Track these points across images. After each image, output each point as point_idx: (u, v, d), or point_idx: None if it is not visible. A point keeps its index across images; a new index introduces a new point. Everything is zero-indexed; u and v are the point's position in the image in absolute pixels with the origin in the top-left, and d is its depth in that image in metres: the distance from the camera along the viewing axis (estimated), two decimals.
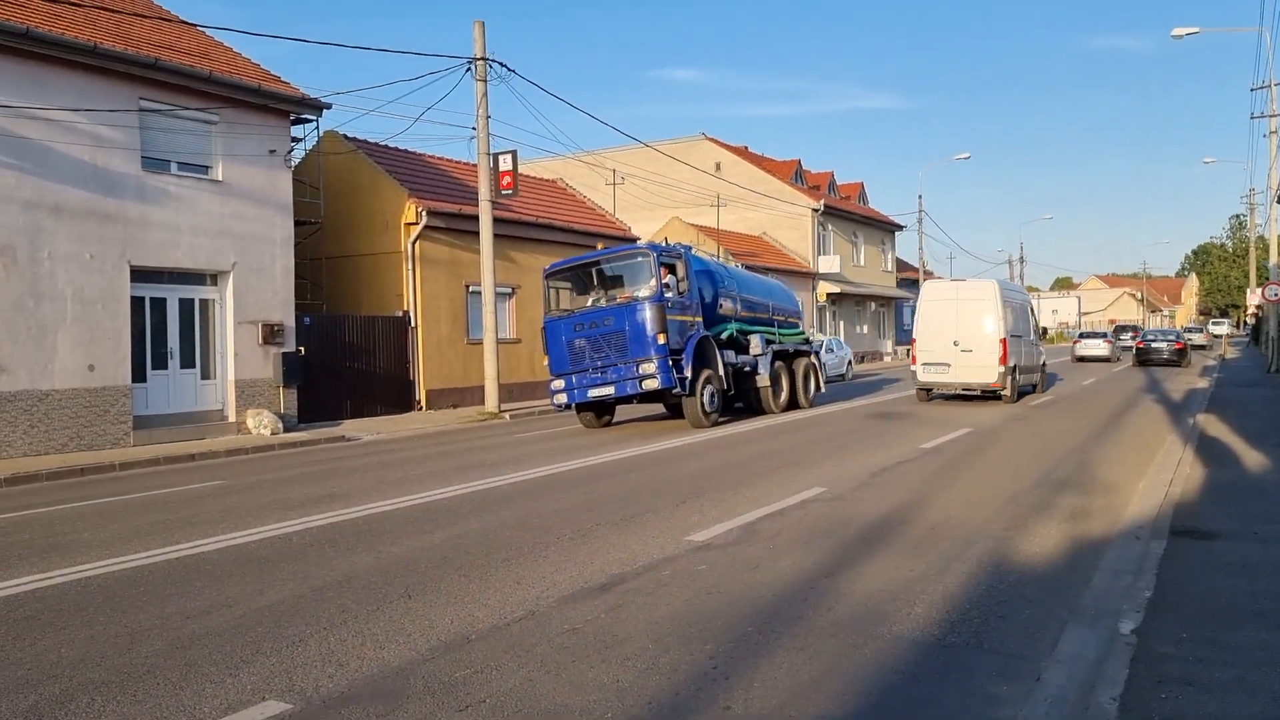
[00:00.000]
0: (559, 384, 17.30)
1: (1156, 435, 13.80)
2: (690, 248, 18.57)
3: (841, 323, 50.09)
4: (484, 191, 21.60)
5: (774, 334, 20.17)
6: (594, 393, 16.76)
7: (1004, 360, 19.87)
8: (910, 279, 58.04)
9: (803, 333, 21.98)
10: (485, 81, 21.30)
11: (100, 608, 5.97)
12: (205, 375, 18.65)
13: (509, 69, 21.72)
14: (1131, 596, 5.50)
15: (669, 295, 16.44)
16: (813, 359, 21.44)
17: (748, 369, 18.73)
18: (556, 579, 6.36)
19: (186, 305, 18.41)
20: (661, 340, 16.00)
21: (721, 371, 17.33)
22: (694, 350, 16.61)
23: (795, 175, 49.37)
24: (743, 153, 50.09)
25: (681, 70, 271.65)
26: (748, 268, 25.79)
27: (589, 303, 17.47)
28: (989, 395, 21.09)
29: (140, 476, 13.66)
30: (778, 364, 19.59)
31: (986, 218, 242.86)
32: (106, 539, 8.40)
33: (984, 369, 20.02)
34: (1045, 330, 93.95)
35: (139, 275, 17.32)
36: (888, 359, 54.71)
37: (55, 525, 9.31)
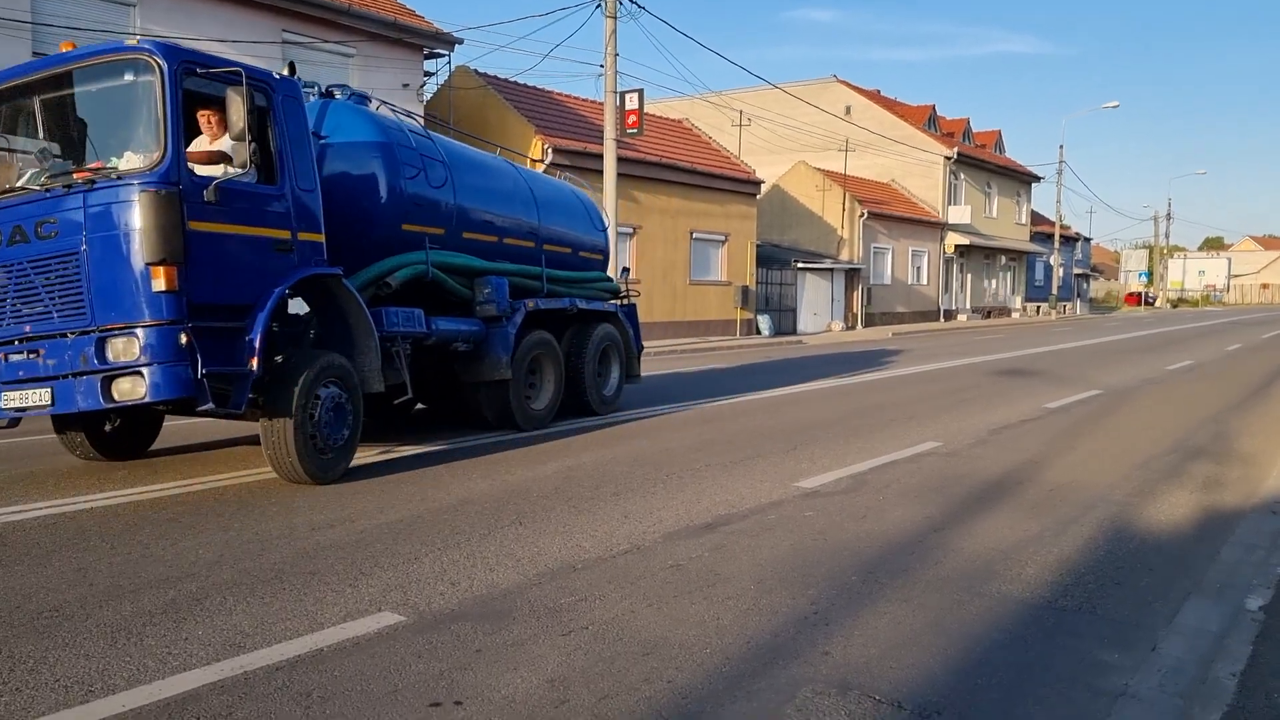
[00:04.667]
0: None
1: None
2: (306, 84, 8.70)
3: (969, 276, 48.56)
4: (609, 130, 21.60)
5: (535, 278, 10.76)
6: (9, 398, 6.90)
7: None
8: (1045, 233, 55.72)
9: (605, 278, 12.66)
10: (615, 19, 21.17)
11: (235, 514, 6.34)
12: None
13: (639, 5, 21.55)
14: (1263, 572, 5.24)
15: (206, 173, 6.93)
16: (619, 326, 12.13)
17: (464, 347, 9.64)
18: (663, 515, 6.44)
19: None
20: (163, 283, 6.45)
21: (376, 358, 7.97)
22: (272, 310, 7.05)
23: (928, 121, 47.71)
24: (874, 96, 48.61)
25: (815, 10, 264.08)
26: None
27: (16, 180, 7.19)
28: None
29: None
30: (536, 336, 10.36)
31: (1132, 171, 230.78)
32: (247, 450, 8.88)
33: None
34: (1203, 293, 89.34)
35: None
36: (1016, 315, 52.89)
37: (209, 433, 9.88)
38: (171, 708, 3.50)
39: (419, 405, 11.01)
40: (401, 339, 8.62)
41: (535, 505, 6.73)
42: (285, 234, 7.34)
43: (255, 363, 6.83)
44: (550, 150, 23.21)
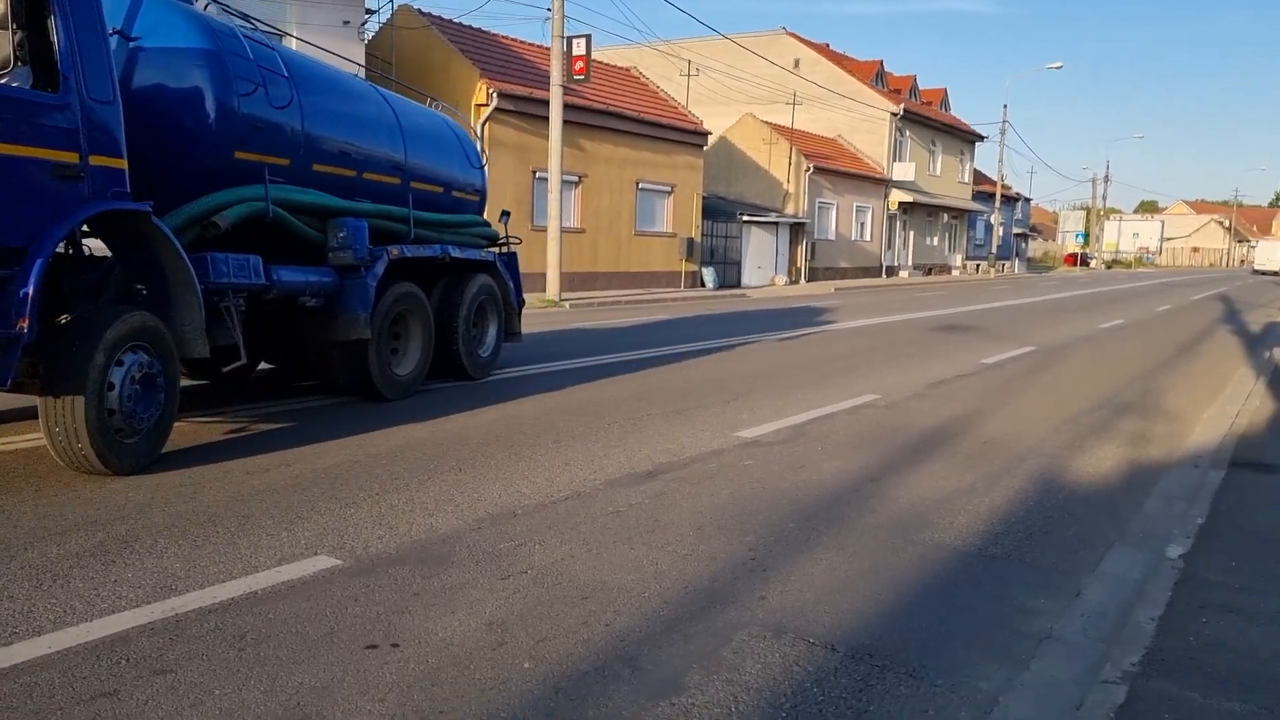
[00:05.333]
0: None
1: (1229, 366, 13.41)
2: None
3: (912, 233, 49.06)
4: (556, 76, 21.27)
5: (400, 220, 9.24)
6: None
7: None
8: (987, 192, 56.38)
9: (481, 222, 10.99)
10: None
11: (166, 457, 6.19)
12: None
13: None
14: (1183, 523, 5.42)
15: None
16: (497, 277, 10.55)
17: (313, 302, 8.09)
18: (604, 463, 6.45)
19: None
20: None
21: (198, 316, 6.48)
22: (51, 255, 5.48)
23: (876, 77, 47.77)
24: (824, 50, 48.47)
25: None
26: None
27: None
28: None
29: None
30: (401, 289, 8.83)
31: (1073, 133, 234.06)
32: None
33: (1275, 266, 71.36)
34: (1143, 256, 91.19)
35: None
36: (956, 272, 53.65)
37: None
38: (100, 649, 3.43)
39: (265, 366, 9.68)
40: (233, 292, 7.04)
41: (475, 452, 6.69)
42: (71, 156, 5.70)
43: (26, 324, 5.20)
44: (495, 94, 22.79)
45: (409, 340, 9.11)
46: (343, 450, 6.61)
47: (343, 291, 8.17)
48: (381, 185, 9.10)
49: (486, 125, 22.96)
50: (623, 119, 27.29)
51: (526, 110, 23.57)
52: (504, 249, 11.19)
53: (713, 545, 4.83)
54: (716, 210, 33.49)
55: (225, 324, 6.95)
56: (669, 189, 29.90)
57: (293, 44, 18.53)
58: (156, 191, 6.48)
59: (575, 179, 25.67)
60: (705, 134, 31.62)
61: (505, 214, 11.62)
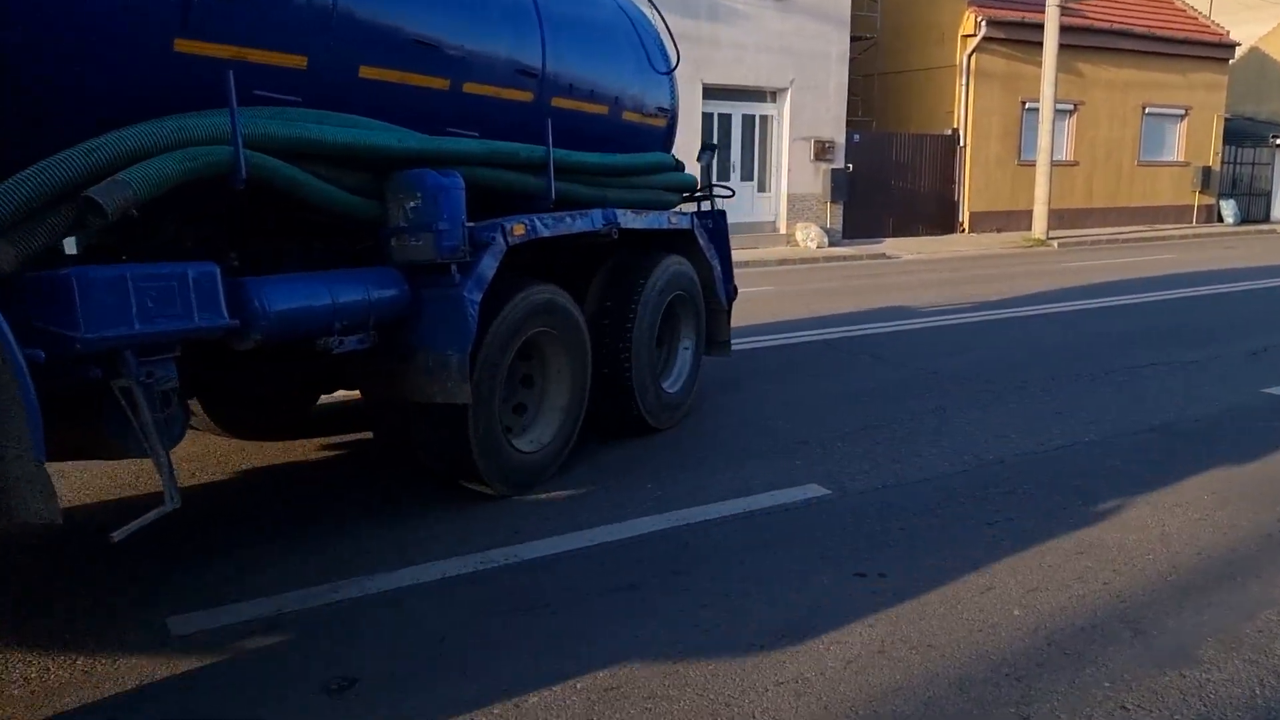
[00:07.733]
0: None
1: None
2: None
3: None
4: None
5: (530, 168, 4.91)
6: None
7: None
8: None
9: (669, 163, 6.42)
10: None
11: None
12: (761, 188, 19.89)
13: None
14: None
15: None
16: (696, 257, 6.20)
17: (354, 343, 3.93)
18: (1099, 413, 6.03)
19: (748, 121, 19.56)
20: None
21: (20, 425, 2.40)
22: None
23: None
24: None
25: None
26: None
27: None
28: None
29: None
30: (531, 298, 4.60)
31: None
32: None
33: None
34: None
35: (708, 93, 18.67)
36: None
37: None
38: (629, 546, 4.00)
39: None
40: (137, 357, 3.03)
41: (955, 393, 6.60)
42: None
43: None
44: (984, 23, 21.62)
45: (546, 386, 5.06)
46: (827, 388, 6.88)
47: (418, 314, 4.23)
48: (496, 105, 4.90)
49: (973, 56, 21.94)
50: (1128, 36, 24.51)
51: (1017, 36, 22.09)
52: (704, 206, 6.90)
53: (1232, 512, 4.35)
54: (1240, 133, 29.02)
55: (123, 419, 3.06)
56: (1182, 112, 26.42)
57: None
58: None
59: (1069, 107, 23.64)
60: (1231, 45, 27.37)
61: (708, 149, 7.43)
